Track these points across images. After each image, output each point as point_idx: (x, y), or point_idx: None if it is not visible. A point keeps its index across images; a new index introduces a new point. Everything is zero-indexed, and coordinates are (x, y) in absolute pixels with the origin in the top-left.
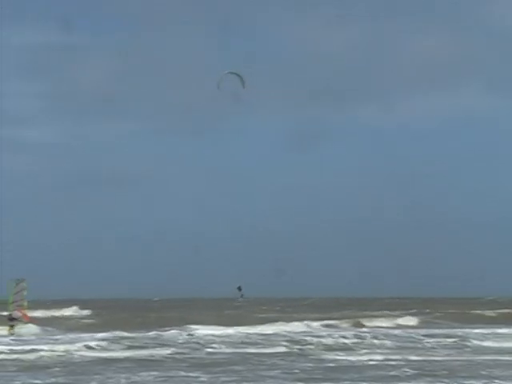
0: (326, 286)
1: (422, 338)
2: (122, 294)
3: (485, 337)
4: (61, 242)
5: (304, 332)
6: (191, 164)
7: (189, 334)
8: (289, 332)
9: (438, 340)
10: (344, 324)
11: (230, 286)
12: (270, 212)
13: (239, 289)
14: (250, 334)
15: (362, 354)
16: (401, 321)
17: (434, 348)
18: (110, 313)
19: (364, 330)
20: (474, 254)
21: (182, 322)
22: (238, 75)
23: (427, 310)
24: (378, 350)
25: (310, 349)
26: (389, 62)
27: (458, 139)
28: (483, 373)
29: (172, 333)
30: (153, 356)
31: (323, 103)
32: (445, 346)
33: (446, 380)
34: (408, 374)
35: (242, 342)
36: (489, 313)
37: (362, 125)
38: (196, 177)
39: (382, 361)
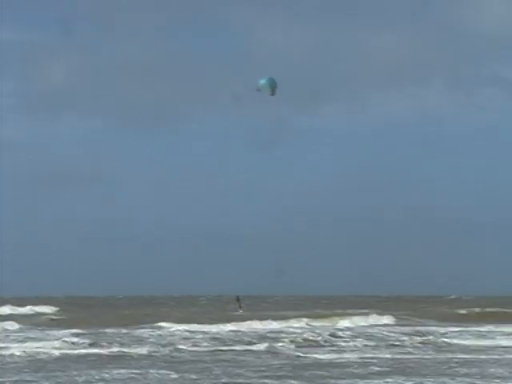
0: (301, 283)
1: (396, 335)
2: (85, 292)
3: (457, 335)
4: (21, 239)
5: (279, 329)
6: (154, 162)
7: (159, 331)
8: (262, 329)
9: (412, 338)
10: (319, 322)
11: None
12: (227, 211)
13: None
14: (223, 331)
15: (333, 352)
16: (377, 319)
17: (405, 346)
18: (77, 310)
19: (339, 327)
20: (432, 254)
21: (152, 319)
22: (273, 81)
23: (403, 310)
24: (350, 348)
25: (282, 346)
26: (352, 61)
27: (420, 137)
28: (450, 371)
29: (142, 330)
30: (122, 353)
31: (285, 102)
32: (417, 344)
33: (414, 378)
34: (375, 371)
35: (214, 339)
36: (462, 311)
37: (326, 124)
38: (157, 175)
39: (351, 358)
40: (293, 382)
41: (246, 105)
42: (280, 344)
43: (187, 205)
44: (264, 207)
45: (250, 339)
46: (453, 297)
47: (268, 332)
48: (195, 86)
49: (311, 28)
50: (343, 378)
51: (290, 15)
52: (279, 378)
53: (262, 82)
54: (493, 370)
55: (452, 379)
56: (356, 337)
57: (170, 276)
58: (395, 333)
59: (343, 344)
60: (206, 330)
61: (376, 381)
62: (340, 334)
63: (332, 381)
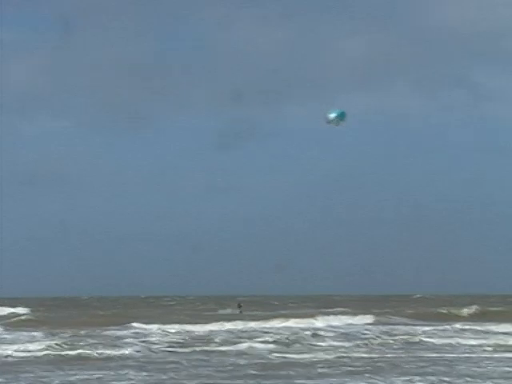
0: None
1: (374, 335)
2: (51, 293)
3: (435, 333)
4: None
5: (258, 329)
6: (122, 163)
7: (131, 331)
8: (239, 330)
9: (389, 337)
10: (299, 322)
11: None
12: (193, 211)
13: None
14: (191, 331)
15: (307, 352)
16: (358, 318)
17: (381, 345)
18: (47, 311)
19: (319, 326)
20: (394, 252)
21: (123, 319)
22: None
23: (387, 309)
24: (325, 348)
25: (257, 346)
26: (317, 62)
27: (385, 137)
28: (429, 370)
29: (113, 331)
30: (88, 355)
31: (252, 102)
32: (393, 343)
33: (384, 377)
34: (345, 370)
35: (182, 340)
36: (442, 310)
37: (290, 124)
38: (125, 176)
39: (324, 358)
40: (262, 381)
41: (213, 105)
42: (255, 344)
43: (155, 204)
44: (228, 208)
45: (224, 339)
46: (418, 296)
47: (246, 332)
48: (164, 87)
49: (277, 30)
50: (311, 378)
51: (258, 17)
52: (247, 377)
53: (333, 115)
54: (463, 367)
55: (422, 377)
56: (334, 336)
57: (136, 277)
58: (374, 332)
59: (320, 344)
60: (174, 330)
61: (343, 379)
62: (318, 333)
63: (299, 380)
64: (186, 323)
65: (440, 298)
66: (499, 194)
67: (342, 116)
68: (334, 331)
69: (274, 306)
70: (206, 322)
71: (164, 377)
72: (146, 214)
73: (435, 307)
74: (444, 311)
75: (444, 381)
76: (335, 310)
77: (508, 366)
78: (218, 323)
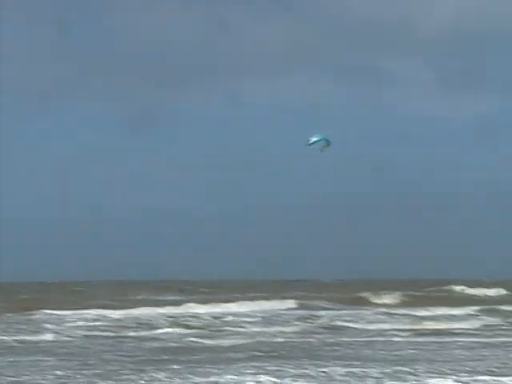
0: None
1: (292, 319)
2: None
3: (352, 319)
4: None
5: (172, 314)
6: (30, 149)
7: (39, 317)
8: (152, 315)
9: (306, 321)
10: (217, 307)
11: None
12: (101, 198)
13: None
14: (107, 316)
15: (221, 337)
16: (279, 303)
17: (298, 330)
18: None
19: (236, 311)
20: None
21: (31, 305)
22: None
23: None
24: (241, 332)
25: (168, 332)
26: (227, 47)
27: (294, 123)
28: (338, 354)
29: (22, 317)
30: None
31: (159, 88)
32: (308, 328)
33: (289, 361)
34: (252, 355)
35: (94, 325)
36: (364, 294)
37: (200, 112)
38: (34, 162)
39: (237, 343)
40: (164, 366)
41: (119, 90)
42: (172, 329)
43: (64, 191)
44: (137, 193)
45: (136, 325)
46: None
47: (164, 317)
48: (68, 70)
49: (187, 15)
50: (216, 363)
51: (165, 2)
52: (152, 362)
53: (316, 139)
54: (369, 351)
55: (326, 362)
56: (254, 322)
57: (35, 262)
58: (293, 317)
59: (238, 329)
60: (89, 316)
61: (250, 363)
62: (238, 318)
63: (202, 365)
64: (101, 308)
65: (364, 283)
66: (406, 179)
67: (326, 142)
68: (254, 316)
69: (191, 291)
70: (123, 308)
71: (74, 362)
72: (50, 201)
73: (357, 292)
74: (365, 296)
75: (349, 365)
76: (256, 295)
77: (414, 349)
78: (141, 308)
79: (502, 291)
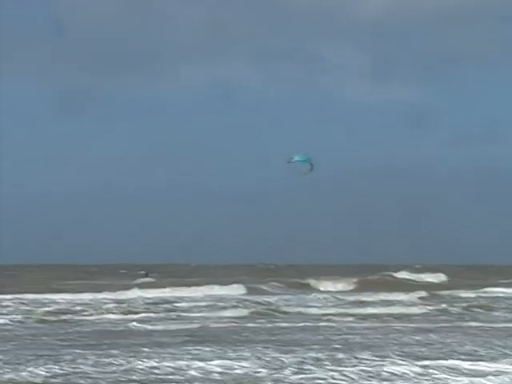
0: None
1: (238, 305)
2: None
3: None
4: None
5: (119, 300)
6: None
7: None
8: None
9: (252, 307)
10: (163, 292)
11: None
12: (34, 180)
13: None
14: (51, 300)
15: (162, 323)
16: (227, 289)
17: (242, 315)
18: None
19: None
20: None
21: None
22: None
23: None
24: (183, 318)
25: (108, 318)
26: (159, 31)
27: (218, 109)
28: (273, 338)
29: None
30: None
31: (92, 71)
32: (253, 314)
33: (221, 347)
34: (185, 340)
35: (33, 309)
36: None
37: (133, 93)
38: None
39: (176, 328)
40: (87, 350)
41: (53, 71)
42: (113, 315)
43: None
44: (72, 176)
45: (82, 308)
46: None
47: (106, 302)
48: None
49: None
50: (145, 346)
51: None
52: (82, 347)
53: (298, 159)
54: (300, 336)
55: (264, 347)
56: (201, 307)
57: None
58: (239, 301)
59: (186, 314)
60: (34, 299)
61: (180, 348)
62: (187, 304)
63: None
64: (47, 292)
65: (311, 268)
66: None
67: (310, 166)
68: (202, 301)
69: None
70: (72, 291)
71: (8, 347)
72: None
73: (304, 277)
74: (316, 281)
75: (288, 350)
76: (205, 279)
77: (356, 334)
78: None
79: (443, 277)
